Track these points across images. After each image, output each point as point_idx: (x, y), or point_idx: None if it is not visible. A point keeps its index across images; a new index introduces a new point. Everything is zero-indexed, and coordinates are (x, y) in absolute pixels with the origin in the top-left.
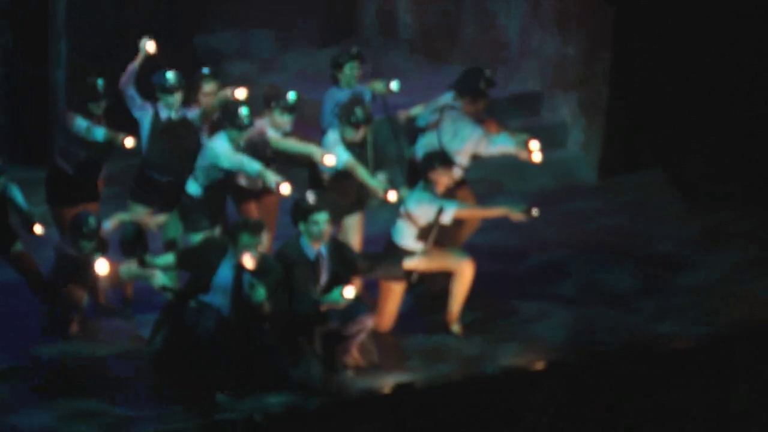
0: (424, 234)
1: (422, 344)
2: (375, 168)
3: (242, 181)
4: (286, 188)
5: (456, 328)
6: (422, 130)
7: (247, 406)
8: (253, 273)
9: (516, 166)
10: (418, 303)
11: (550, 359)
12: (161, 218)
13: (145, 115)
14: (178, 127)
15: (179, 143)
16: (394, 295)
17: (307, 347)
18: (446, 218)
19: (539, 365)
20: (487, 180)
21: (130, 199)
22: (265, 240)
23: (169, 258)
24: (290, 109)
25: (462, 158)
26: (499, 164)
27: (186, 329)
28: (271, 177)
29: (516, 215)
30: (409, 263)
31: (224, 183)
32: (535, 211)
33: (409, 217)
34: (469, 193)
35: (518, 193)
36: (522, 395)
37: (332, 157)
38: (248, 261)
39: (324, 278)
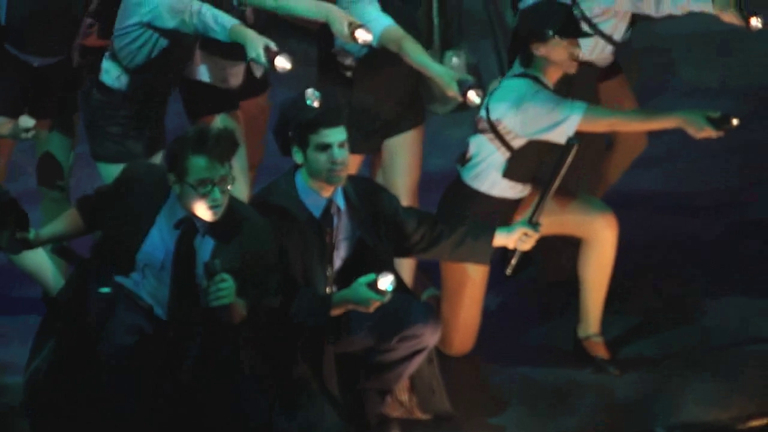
0: (526, 168)
1: (531, 380)
2: (444, 43)
3: (201, 72)
4: (284, 61)
5: (596, 348)
6: None
7: None
8: (214, 236)
9: (712, 37)
10: (521, 303)
11: None
12: (31, 123)
13: None
14: None
15: None
16: (474, 287)
17: (314, 383)
18: (567, 132)
19: (757, 420)
20: (655, 65)
21: None
22: (240, 173)
23: (62, 221)
24: None
25: (606, 21)
26: (678, 35)
27: (87, 342)
28: (256, 41)
29: (698, 128)
30: (503, 234)
31: (166, 65)
32: (735, 121)
33: (497, 134)
34: (623, 90)
35: (712, 91)
36: None
37: (363, 28)
38: (204, 212)
39: (342, 253)
